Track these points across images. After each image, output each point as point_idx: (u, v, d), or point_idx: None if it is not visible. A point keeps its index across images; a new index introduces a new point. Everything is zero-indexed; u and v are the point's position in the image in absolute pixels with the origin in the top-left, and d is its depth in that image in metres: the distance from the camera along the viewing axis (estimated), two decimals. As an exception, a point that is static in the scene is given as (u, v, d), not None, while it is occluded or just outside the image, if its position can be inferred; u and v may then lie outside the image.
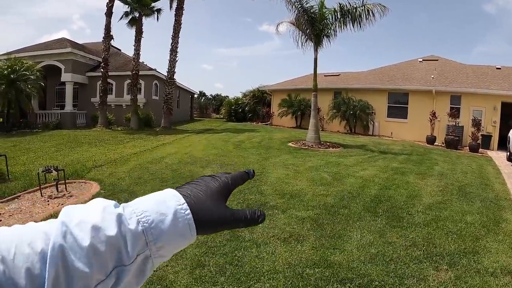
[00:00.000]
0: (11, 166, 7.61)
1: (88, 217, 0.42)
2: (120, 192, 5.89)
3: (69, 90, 21.51)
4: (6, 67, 17.45)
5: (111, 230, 0.42)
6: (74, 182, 6.79)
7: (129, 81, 21.38)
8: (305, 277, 3.24)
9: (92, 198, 5.28)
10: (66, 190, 6.16)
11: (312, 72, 13.42)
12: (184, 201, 0.47)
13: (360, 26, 12.07)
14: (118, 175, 7.19)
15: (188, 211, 0.47)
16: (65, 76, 21.23)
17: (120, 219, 0.43)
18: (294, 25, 13.37)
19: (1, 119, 17.42)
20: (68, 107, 21.30)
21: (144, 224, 0.44)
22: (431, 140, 16.76)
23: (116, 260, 0.41)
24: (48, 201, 5.65)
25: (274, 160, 9.24)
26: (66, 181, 6.35)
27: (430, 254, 3.78)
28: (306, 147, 11.95)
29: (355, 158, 9.94)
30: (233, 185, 0.56)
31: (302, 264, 3.49)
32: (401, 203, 5.67)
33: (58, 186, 6.12)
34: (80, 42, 25.16)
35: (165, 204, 0.46)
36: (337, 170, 8.08)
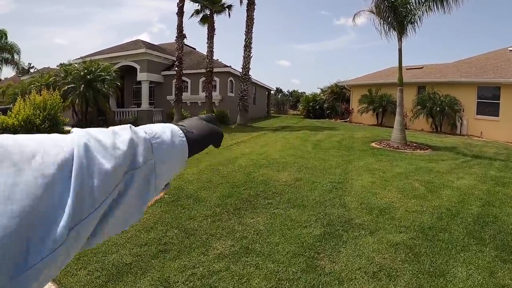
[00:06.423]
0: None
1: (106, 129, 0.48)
2: (186, 198, 5.46)
3: (145, 88, 22.32)
4: (82, 68, 18.40)
5: (127, 134, 0.48)
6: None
7: (203, 78, 21.59)
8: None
9: (153, 204, 4.89)
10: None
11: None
12: (180, 130, 0.57)
13: (447, 9, 10.69)
14: (186, 177, 6.81)
15: (183, 135, 0.56)
16: (141, 76, 22.07)
17: (132, 129, 0.50)
18: (373, 13, 12.21)
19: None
20: (145, 105, 22.11)
21: (150, 134, 0.51)
22: (528, 141, 14.61)
23: (130, 164, 0.45)
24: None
25: (357, 163, 8.42)
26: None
27: None
28: (391, 148, 10.90)
29: (447, 163, 8.76)
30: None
31: (399, 311, 2.75)
32: (509, 226, 4.64)
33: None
34: (159, 43, 26.14)
35: (167, 127, 0.55)
36: (430, 178, 7.10)
